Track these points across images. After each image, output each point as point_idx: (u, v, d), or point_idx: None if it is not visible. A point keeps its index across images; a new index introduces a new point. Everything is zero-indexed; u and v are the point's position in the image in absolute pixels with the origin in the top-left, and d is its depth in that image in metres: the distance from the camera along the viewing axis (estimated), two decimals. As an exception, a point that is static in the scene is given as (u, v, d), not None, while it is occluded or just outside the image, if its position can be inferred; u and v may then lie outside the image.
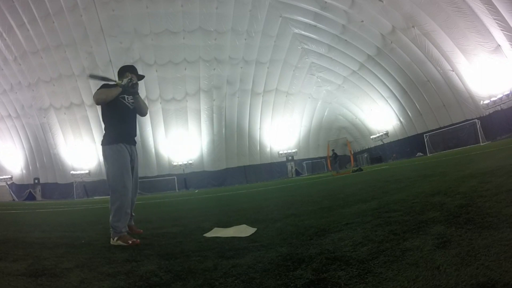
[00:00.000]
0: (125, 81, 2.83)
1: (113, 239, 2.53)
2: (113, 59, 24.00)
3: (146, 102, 25.88)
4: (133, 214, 3.00)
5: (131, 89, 2.84)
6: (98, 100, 2.74)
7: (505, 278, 0.97)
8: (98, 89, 2.81)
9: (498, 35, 17.11)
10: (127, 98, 2.93)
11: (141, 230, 3.05)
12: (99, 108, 2.93)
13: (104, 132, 2.82)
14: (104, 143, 2.76)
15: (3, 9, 22.68)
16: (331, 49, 27.39)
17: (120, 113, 2.86)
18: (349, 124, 35.28)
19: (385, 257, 1.37)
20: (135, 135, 3.00)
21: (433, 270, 1.13)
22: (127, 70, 3.04)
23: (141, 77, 3.17)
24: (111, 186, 2.64)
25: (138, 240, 2.52)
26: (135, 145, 2.95)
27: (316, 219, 2.69)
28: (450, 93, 22.44)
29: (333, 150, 23.09)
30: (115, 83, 2.88)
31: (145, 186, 28.21)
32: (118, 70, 3.09)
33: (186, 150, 30.24)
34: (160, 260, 1.86)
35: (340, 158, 24.16)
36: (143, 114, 3.09)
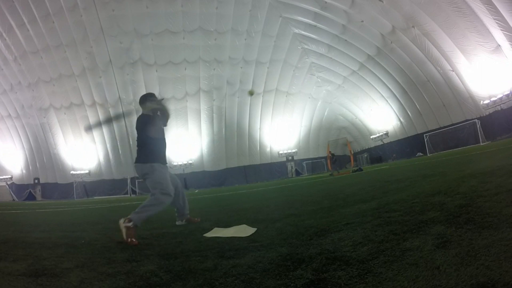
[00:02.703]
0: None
1: (125, 222, 2.60)
2: (113, 59, 23.98)
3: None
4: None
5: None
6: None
7: (505, 278, 0.97)
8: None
9: (498, 35, 17.11)
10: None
11: (199, 219, 3.62)
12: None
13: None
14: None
15: (3, 9, 22.67)
16: (331, 49, 27.38)
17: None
18: (349, 124, 35.28)
19: (385, 257, 1.37)
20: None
21: (433, 270, 1.13)
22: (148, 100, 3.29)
23: (161, 101, 3.39)
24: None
25: (138, 242, 2.53)
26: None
27: (316, 219, 2.69)
28: (450, 93, 22.44)
29: (330, 152, 23.15)
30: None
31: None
32: (139, 99, 3.34)
33: (186, 150, 30.24)
34: (160, 260, 1.86)
35: (340, 158, 24.17)
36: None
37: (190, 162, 30.33)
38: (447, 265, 1.15)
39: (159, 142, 3.20)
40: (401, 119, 28.31)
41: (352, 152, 27.17)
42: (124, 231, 2.54)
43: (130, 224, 2.57)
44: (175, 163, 30.07)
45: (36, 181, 31.39)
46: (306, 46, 28.23)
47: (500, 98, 19.11)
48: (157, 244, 2.42)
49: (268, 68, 29.57)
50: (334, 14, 23.56)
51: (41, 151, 30.67)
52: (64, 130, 29.40)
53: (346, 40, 25.59)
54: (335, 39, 26.01)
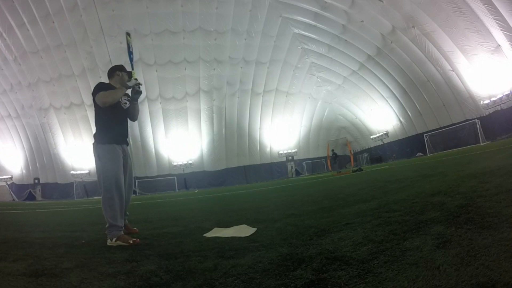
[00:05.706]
0: (133, 81, 2.75)
1: (111, 240, 2.49)
2: (113, 59, 23.97)
3: (146, 102, 25.53)
4: (127, 213, 2.95)
5: (135, 95, 2.81)
6: (105, 103, 2.66)
7: (505, 278, 0.97)
8: (98, 90, 2.71)
9: (498, 35, 17.11)
10: (122, 98, 2.89)
11: (137, 229, 3.04)
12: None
13: (99, 131, 2.75)
14: (100, 142, 2.69)
15: (3, 9, 22.68)
16: (331, 49, 27.38)
17: (116, 114, 2.82)
18: (349, 124, 35.28)
19: (385, 257, 1.37)
20: (127, 136, 2.97)
21: (433, 270, 1.13)
22: (117, 69, 2.97)
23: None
24: (105, 185, 2.59)
25: (136, 239, 2.52)
26: (127, 145, 2.94)
27: (316, 219, 2.69)
28: (450, 93, 22.44)
29: (332, 150, 23.11)
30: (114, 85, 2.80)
31: (145, 186, 28.19)
32: (108, 71, 3.01)
33: (186, 150, 30.24)
34: (160, 260, 1.86)
35: (340, 158, 24.20)
36: (135, 119, 3.05)
37: (190, 162, 30.34)
38: (447, 265, 1.15)
39: (115, 117, 2.95)
40: (401, 119, 28.31)
41: (352, 152, 27.14)
42: (118, 244, 2.45)
43: (112, 241, 2.46)
44: (175, 163, 30.10)
45: (36, 181, 31.39)
46: (306, 46, 28.23)
47: (500, 98, 19.10)
48: (157, 244, 2.42)
49: (268, 68, 29.58)
50: (334, 14, 23.56)
51: (41, 151, 30.67)
52: (64, 130, 29.40)
53: (346, 40, 25.58)
54: (335, 39, 26.01)
